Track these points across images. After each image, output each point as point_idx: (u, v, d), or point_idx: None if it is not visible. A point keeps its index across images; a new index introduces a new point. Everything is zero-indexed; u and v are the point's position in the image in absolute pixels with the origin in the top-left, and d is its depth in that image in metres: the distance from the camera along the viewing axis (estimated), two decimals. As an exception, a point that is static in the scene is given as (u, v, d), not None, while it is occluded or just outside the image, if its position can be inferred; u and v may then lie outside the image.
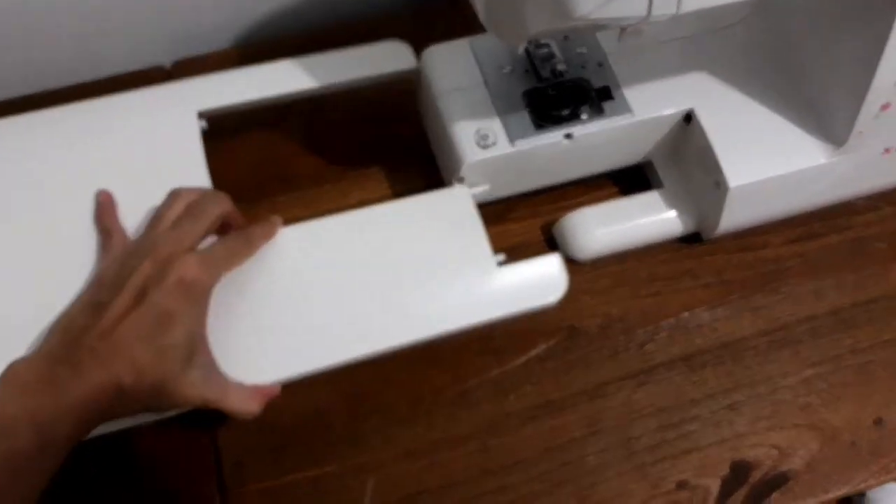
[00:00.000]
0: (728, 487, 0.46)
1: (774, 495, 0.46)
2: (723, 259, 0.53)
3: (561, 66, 0.50)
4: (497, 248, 0.52)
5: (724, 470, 0.47)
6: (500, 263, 0.47)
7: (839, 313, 0.52)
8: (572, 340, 0.50)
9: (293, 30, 0.64)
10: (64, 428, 0.36)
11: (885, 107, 0.47)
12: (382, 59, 0.53)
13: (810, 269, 0.53)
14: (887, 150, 0.51)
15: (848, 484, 0.47)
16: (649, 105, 0.50)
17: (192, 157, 0.49)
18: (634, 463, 0.47)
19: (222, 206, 0.45)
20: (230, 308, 0.44)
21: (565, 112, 0.49)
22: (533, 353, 0.50)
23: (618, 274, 0.52)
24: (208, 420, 0.47)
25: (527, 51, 0.51)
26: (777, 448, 0.47)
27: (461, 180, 0.50)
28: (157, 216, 0.44)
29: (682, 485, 0.46)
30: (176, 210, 0.44)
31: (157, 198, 0.46)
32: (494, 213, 0.54)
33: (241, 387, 0.42)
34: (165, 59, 0.62)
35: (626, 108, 0.50)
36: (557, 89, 0.50)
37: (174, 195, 0.45)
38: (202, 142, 0.50)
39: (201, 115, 0.52)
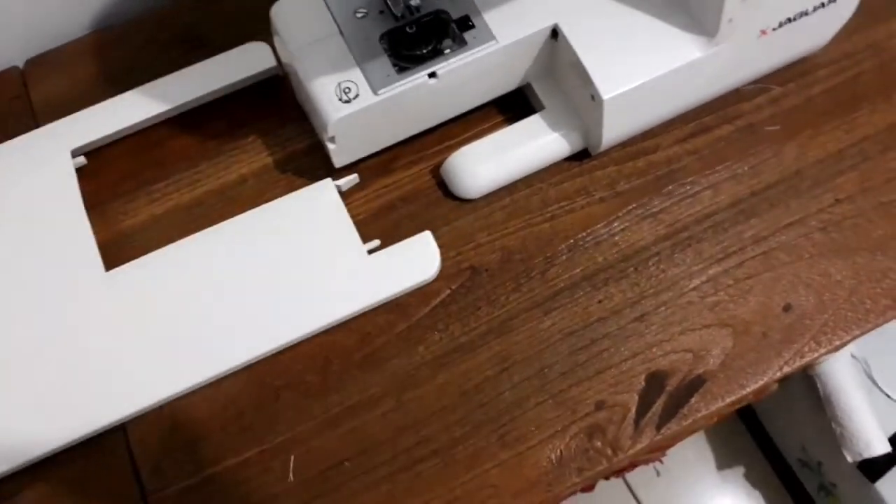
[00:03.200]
0: (646, 400, 0.46)
1: (693, 399, 0.46)
2: (614, 170, 0.52)
3: (415, 1, 0.48)
4: (390, 199, 0.52)
5: (640, 383, 0.47)
6: (372, 251, 0.48)
7: (738, 205, 0.51)
8: (474, 280, 0.49)
9: (146, 10, 0.60)
10: None
11: (748, -12, 0.45)
12: (244, 62, 0.54)
13: (705, 165, 0.52)
14: (763, 32, 0.49)
15: (764, 375, 0.47)
16: (512, 28, 0.48)
17: (68, 198, 0.50)
18: (550, 392, 0.47)
19: None
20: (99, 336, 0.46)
21: (426, 50, 0.47)
22: (437, 300, 0.49)
23: (510, 205, 0.51)
24: (119, 431, 0.46)
25: (378, -12, 0.49)
26: (690, 351, 0.47)
27: (332, 140, 0.48)
28: None
29: (599, 405, 0.46)
30: None
31: (35, 242, 0.49)
32: (380, 164, 0.53)
33: None
34: (19, 59, 0.58)
35: (489, 36, 0.48)
36: (415, 26, 0.48)
37: None
38: (77, 179, 0.51)
39: (74, 153, 0.52)
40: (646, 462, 1.06)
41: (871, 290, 0.48)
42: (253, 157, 0.53)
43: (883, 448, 0.87)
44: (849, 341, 0.48)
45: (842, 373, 0.91)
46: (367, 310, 0.48)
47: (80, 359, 0.46)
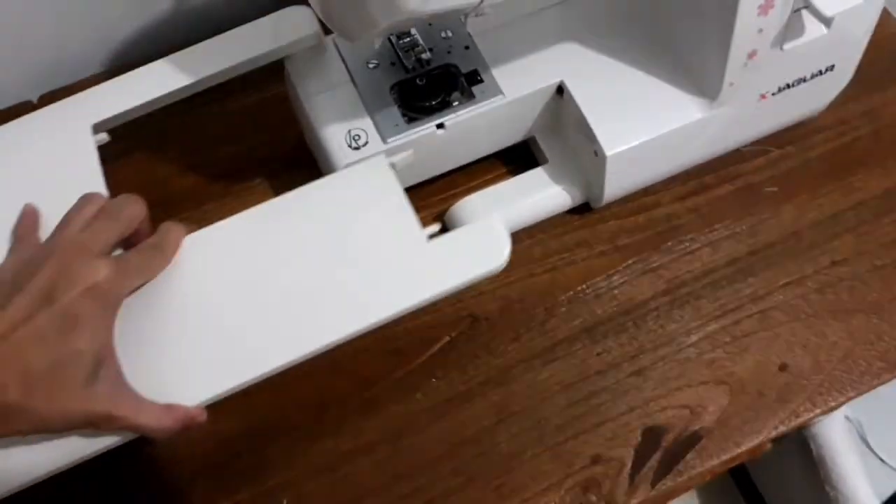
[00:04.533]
0: (642, 455, 0.46)
1: (689, 456, 0.46)
2: (615, 224, 0.53)
3: (425, 55, 0.49)
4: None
5: (637, 438, 0.47)
6: (432, 236, 0.43)
7: (736, 263, 0.52)
8: (474, 329, 0.50)
9: (159, 49, 0.61)
10: None
11: (751, 55, 0.47)
12: (283, 29, 0.48)
13: (704, 223, 0.53)
14: (763, 97, 0.51)
15: (759, 434, 0.47)
16: (519, 83, 0.49)
17: (90, 174, 0.45)
18: (547, 444, 0.47)
19: (138, 209, 0.40)
20: (136, 327, 0.40)
21: (435, 102, 0.48)
22: (436, 347, 0.49)
23: (512, 255, 0.51)
24: (117, 468, 0.45)
25: (390, 42, 0.50)
26: (687, 408, 0.47)
27: (340, 184, 0.48)
28: (65, 218, 0.39)
29: (596, 459, 0.46)
30: (86, 213, 0.39)
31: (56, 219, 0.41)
32: (384, 210, 0.53)
33: (153, 403, 0.38)
34: (32, 94, 0.60)
35: (496, 90, 0.49)
36: (425, 79, 0.49)
37: (85, 198, 0.40)
38: (98, 155, 0.46)
39: (96, 127, 0.47)
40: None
41: (866, 351, 0.49)
42: (260, 198, 0.53)
43: (876, 512, 0.86)
44: (843, 402, 0.48)
45: (836, 434, 0.90)
46: (430, 301, 0.42)
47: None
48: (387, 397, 0.48)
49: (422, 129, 0.48)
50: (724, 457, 0.46)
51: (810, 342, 0.49)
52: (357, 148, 0.47)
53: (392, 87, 0.49)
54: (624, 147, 0.48)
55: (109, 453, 0.39)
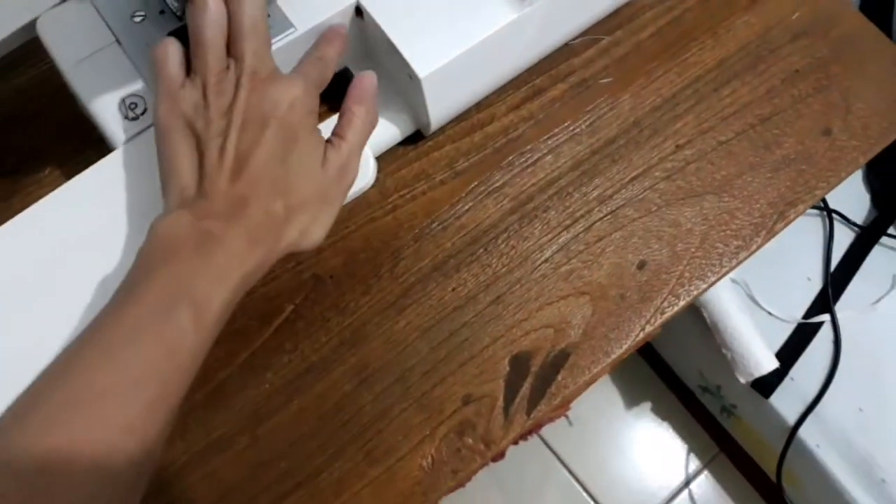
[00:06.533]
0: (512, 385, 0.44)
1: (560, 376, 0.45)
2: (451, 149, 0.49)
3: (196, -4, 0.43)
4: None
5: (505, 368, 0.45)
6: None
7: (580, 166, 0.49)
8: (318, 290, 0.46)
9: None
10: (220, 295, 0.34)
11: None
12: None
13: (542, 130, 0.50)
14: (578, -17, 0.47)
15: (627, 339, 0.45)
16: (310, 11, 0.44)
17: None
18: (413, 396, 0.44)
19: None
20: None
21: (218, 48, 0.42)
22: (280, 319, 0.45)
23: (347, 201, 0.47)
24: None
25: (154, -13, 0.43)
26: (550, 327, 0.45)
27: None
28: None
29: (466, 400, 0.44)
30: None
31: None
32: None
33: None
34: None
35: (286, 24, 0.43)
36: (203, 24, 0.43)
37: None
38: None
39: None
40: (550, 420, 1.07)
41: (722, 233, 0.48)
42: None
43: (771, 365, 0.89)
44: (705, 289, 0.47)
45: (724, 298, 0.92)
46: None
47: None
48: (234, 385, 0.44)
49: (208, 84, 0.42)
50: (596, 369, 0.45)
51: (665, 234, 0.48)
52: (136, 118, 0.41)
53: (167, 41, 0.42)
54: (439, 64, 0.44)
55: None
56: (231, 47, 0.38)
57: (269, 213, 0.36)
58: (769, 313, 1.05)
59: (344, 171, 0.39)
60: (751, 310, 0.98)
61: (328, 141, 0.40)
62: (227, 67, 0.38)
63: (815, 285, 1.05)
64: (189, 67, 0.39)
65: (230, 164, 0.36)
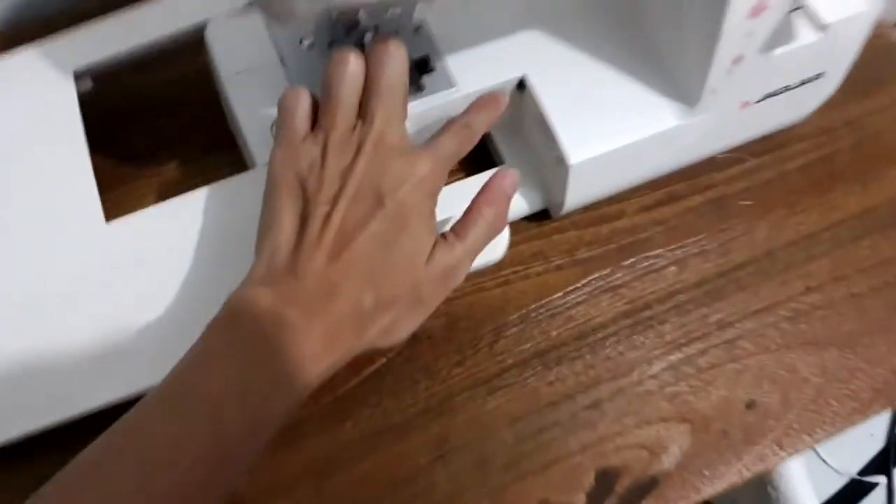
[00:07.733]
0: (593, 501, 0.42)
1: (644, 502, 0.42)
2: (575, 235, 0.48)
3: (369, 35, 0.42)
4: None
5: (590, 481, 0.42)
6: None
7: (704, 285, 0.47)
8: (413, 349, 0.44)
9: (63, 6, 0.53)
10: (282, 402, 0.32)
11: (736, 60, 0.41)
12: None
13: (671, 237, 0.48)
14: (745, 104, 0.46)
15: (721, 479, 0.43)
16: (476, 75, 0.43)
17: (68, 124, 0.42)
18: (490, 485, 0.42)
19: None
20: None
21: (378, 91, 0.42)
22: (370, 369, 0.44)
23: (460, 268, 0.46)
24: None
25: (330, 19, 0.43)
26: (645, 448, 0.43)
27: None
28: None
29: None
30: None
31: (30, 174, 0.41)
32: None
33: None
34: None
35: (448, 82, 0.43)
36: (368, 63, 0.42)
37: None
38: (78, 104, 0.42)
39: (78, 74, 0.43)
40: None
41: (839, 390, 0.45)
42: (175, 182, 0.47)
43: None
44: (812, 446, 0.44)
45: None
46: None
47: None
48: (311, 427, 0.42)
49: (362, 123, 0.41)
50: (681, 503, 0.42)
51: (779, 377, 0.45)
52: (284, 142, 0.40)
53: (329, 72, 0.42)
54: (590, 155, 0.42)
55: None
56: (362, 107, 0.37)
57: (357, 307, 0.34)
58: (823, 461, 1.00)
59: (450, 274, 0.37)
60: (805, 455, 0.94)
61: (443, 235, 0.37)
62: (354, 128, 0.36)
63: (878, 443, 1.00)
64: (315, 122, 0.37)
65: (330, 242, 0.34)
